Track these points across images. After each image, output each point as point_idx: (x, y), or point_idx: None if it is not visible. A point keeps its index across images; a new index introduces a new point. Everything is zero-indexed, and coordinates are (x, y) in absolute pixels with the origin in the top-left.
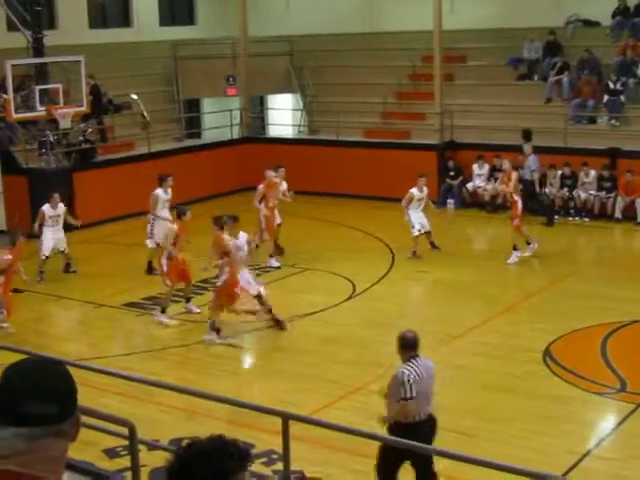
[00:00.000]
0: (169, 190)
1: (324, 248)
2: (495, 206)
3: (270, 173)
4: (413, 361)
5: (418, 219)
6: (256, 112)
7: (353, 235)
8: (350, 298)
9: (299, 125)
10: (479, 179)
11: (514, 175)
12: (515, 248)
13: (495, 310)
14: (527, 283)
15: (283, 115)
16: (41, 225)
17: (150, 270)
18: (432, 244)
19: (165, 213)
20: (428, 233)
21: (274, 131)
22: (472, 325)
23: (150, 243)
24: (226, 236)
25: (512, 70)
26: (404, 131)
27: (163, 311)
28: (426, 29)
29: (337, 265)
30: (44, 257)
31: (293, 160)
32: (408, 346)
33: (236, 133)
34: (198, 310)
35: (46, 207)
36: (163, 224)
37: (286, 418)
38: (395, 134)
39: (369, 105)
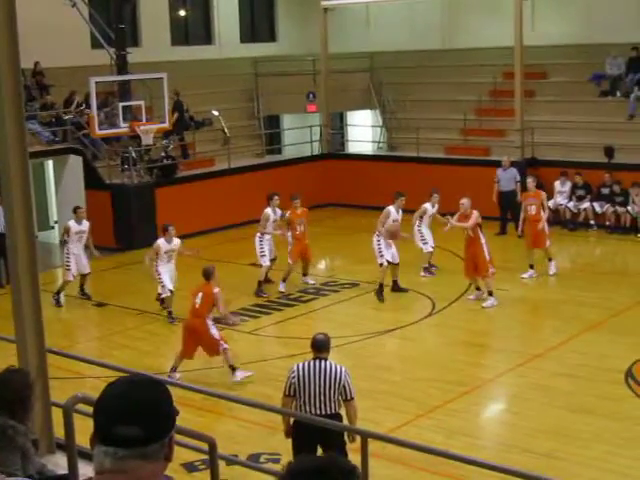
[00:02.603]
0: (277, 210)
1: (403, 264)
2: (576, 224)
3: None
4: (311, 362)
5: (387, 250)
6: (336, 129)
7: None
8: (430, 315)
9: (378, 142)
10: (560, 196)
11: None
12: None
13: (577, 329)
14: (610, 301)
15: (363, 132)
16: (65, 241)
17: (260, 292)
18: (395, 283)
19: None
20: (396, 265)
21: (353, 147)
22: (553, 344)
23: (265, 261)
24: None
25: (594, 86)
26: (484, 148)
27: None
28: (507, 45)
29: (416, 282)
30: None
31: (372, 177)
32: (313, 347)
33: (316, 149)
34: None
35: (71, 222)
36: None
37: (365, 436)
38: (475, 151)
39: (449, 122)
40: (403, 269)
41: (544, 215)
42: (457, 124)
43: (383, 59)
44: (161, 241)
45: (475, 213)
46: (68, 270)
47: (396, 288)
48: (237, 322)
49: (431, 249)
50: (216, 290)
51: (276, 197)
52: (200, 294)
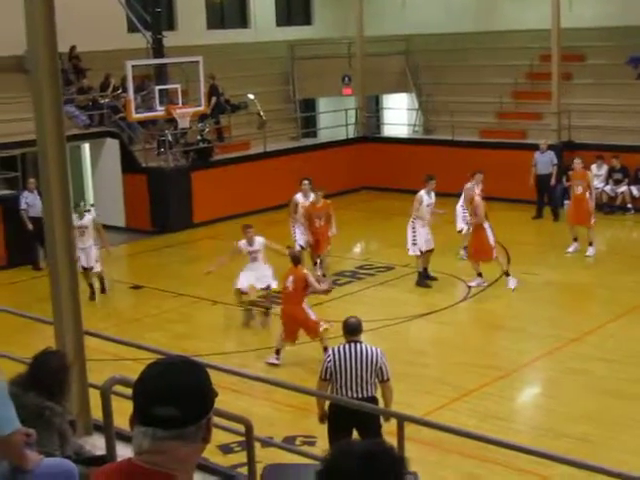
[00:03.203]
0: (310, 194)
1: (438, 248)
2: (613, 207)
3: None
4: (346, 345)
5: (422, 237)
6: (371, 112)
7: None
8: (465, 299)
9: (414, 125)
10: (597, 180)
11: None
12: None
13: (613, 313)
14: None
15: (398, 115)
16: None
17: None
18: (425, 270)
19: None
20: (430, 252)
21: (389, 131)
22: (589, 329)
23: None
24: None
25: (631, 69)
26: (520, 131)
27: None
28: (544, 27)
29: (452, 266)
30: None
31: (407, 160)
32: (346, 331)
33: (351, 132)
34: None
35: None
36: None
37: (401, 419)
38: (511, 134)
39: (485, 105)
40: (438, 253)
41: (590, 196)
42: (493, 107)
43: (419, 42)
44: (242, 243)
45: (479, 199)
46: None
47: (425, 276)
48: (331, 286)
49: (418, 253)
50: (305, 271)
51: (305, 182)
52: (291, 278)
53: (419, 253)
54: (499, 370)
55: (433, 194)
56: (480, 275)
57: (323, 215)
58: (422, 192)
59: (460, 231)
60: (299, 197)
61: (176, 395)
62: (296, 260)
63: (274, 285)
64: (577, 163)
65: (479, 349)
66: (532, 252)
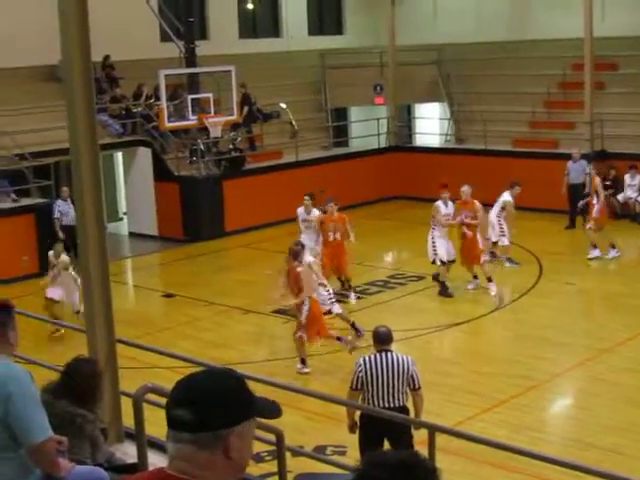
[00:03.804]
0: (313, 210)
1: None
2: None
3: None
4: (377, 355)
5: (442, 246)
6: (403, 121)
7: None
8: (497, 309)
9: (446, 134)
10: (631, 190)
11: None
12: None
13: None
14: None
15: (430, 124)
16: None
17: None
18: (435, 277)
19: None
20: (452, 262)
21: (421, 140)
22: (621, 339)
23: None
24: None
25: None
26: (553, 140)
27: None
28: (576, 36)
29: (483, 275)
30: None
31: (439, 169)
32: (377, 340)
33: (383, 142)
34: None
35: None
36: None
37: (432, 429)
38: (543, 144)
39: (517, 114)
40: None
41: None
42: (525, 117)
43: (451, 51)
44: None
45: (477, 204)
46: None
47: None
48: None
49: (507, 242)
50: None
51: (306, 197)
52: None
53: (439, 263)
54: (530, 380)
55: (450, 204)
56: (476, 277)
57: (339, 228)
58: (439, 202)
59: (496, 242)
60: (300, 211)
61: (193, 399)
62: (296, 255)
63: (335, 309)
64: (464, 191)
65: (510, 359)
66: (565, 262)
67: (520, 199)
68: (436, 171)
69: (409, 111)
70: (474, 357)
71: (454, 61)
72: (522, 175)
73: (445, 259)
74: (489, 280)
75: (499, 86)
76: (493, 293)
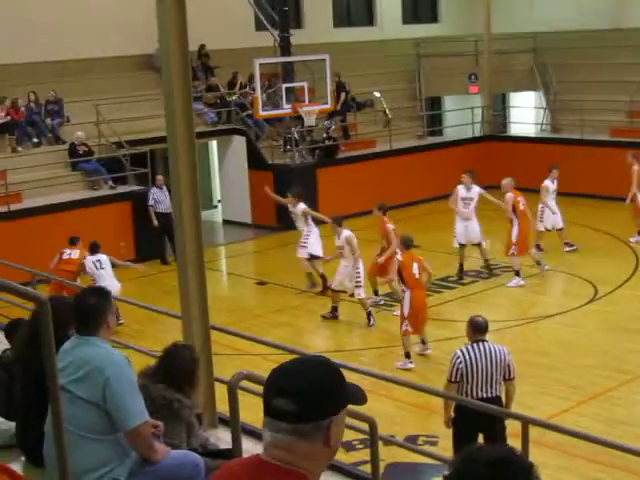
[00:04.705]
0: (555, 181)
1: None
2: None
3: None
4: (474, 345)
5: (460, 230)
6: (498, 110)
7: (595, 236)
8: (592, 301)
9: (541, 123)
10: None
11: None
12: None
13: None
14: None
15: (525, 113)
16: None
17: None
18: (461, 266)
19: (552, 202)
20: (477, 245)
21: (515, 129)
22: None
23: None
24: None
25: None
26: None
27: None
28: None
29: (578, 266)
30: None
31: (535, 159)
32: (474, 330)
33: (477, 131)
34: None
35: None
36: (548, 213)
37: (526, 422)
38: None
39: (615, 103)
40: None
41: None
42: (623, 105)
43: (547, 39)
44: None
45: (509, 195)
46: None
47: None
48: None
49: (542, 228)
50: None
51: (555, 170)
52: (415, 265)
53: (457, 245)
54: (626, 374)
55: (474, 188)
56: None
57: (381, 235)
58: (460, 186)
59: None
60: (548, 183)
61: (296, 390)
62: (408, 243)
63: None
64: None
65: (606, 352)
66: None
67: (616, 189)
68: (531, 161)
69: (504, 100)
70: (568, 349)
71: (550, 49)
72: (620, 165)
73: (463, 241)
74: (516, 274)
75: (596, 75)
76: (512, 284)
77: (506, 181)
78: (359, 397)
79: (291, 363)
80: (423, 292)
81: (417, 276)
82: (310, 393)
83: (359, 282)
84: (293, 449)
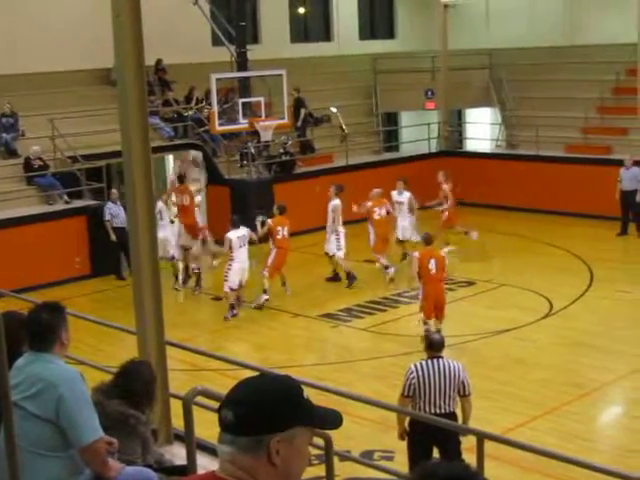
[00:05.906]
0: (404, 192)
1: (520, 264)
2: None
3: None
4: (429, 361)
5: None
6: (454, 126)
7: (549, 251)
8: (547, 316)
9: (497, 139)
10: None
11: None
12: None
13: None
14: None
15: (481, 129)
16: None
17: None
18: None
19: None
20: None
21: (472, 145)
22: None
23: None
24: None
25: None
26: (606, 146)
27: None
28: (630, 41)
29: (533, 282)
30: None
31: (490, 174)
32: (430, 347)
33: (433, 147)
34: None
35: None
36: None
37: (481, 437)
38: (596, 149)
39: (570, 120)
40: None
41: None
42: (578, 122)
43: (503, 55)
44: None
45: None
46: None
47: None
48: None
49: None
50: (444, 252)
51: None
52: (433, 260)
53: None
54: (581, 388)
55: (405, 193)
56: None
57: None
58: (394, 192)
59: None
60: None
61: (236, 400)
62: (429, 241)
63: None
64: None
65: (561, 366)
66: (618, 269)
67: (573, 205)
68: (487, 176)
69: (460, 116)
70: (524, 364)
71: (506, 65)
72: (574, 181)
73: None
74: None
75: (551, 91)
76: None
77: (375, 191)
78: (328, 421)
79: (252, 377)
80: (438, 286)
81: (433, 271)
82: (249, 404)
83: (339, 246)
84: (236, 462)
